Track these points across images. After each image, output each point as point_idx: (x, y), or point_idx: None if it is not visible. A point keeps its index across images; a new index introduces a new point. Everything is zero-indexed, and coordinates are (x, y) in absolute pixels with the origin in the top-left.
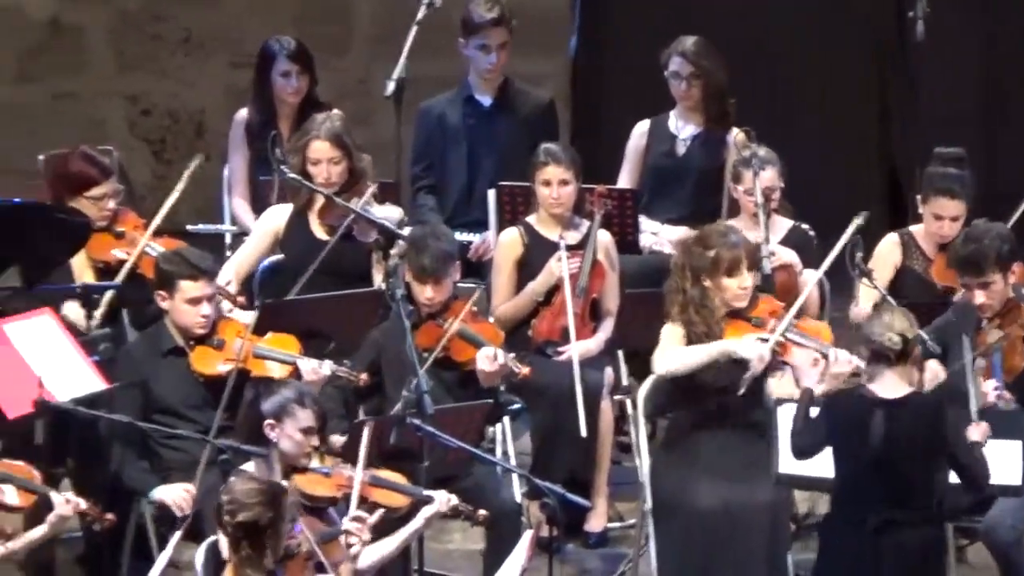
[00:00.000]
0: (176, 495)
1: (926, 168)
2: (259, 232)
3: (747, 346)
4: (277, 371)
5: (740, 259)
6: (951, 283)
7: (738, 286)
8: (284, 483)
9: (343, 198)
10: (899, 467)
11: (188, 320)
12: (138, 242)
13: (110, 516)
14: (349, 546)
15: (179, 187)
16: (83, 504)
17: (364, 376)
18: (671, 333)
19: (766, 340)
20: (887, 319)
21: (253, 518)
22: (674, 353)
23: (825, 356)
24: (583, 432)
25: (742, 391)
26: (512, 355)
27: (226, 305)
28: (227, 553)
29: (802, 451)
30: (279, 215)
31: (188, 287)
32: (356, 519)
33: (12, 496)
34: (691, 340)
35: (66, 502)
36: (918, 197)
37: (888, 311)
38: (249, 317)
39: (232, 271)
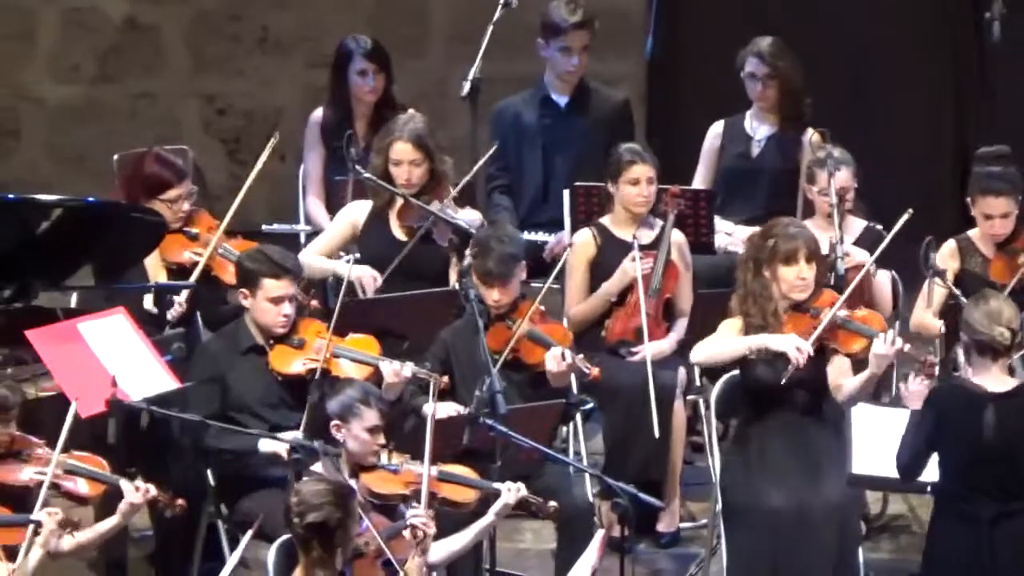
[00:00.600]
0: (285, 446)
1: (972, 169)
2: (339, 223)
3: (782, 340)
4: (356, 372)
5: (798, 248)
6: (1007, 280)
7: (796, 276)
8: (352, 483)
9: (423, 200)
10: (1012, 459)
11: (269, 319)
12: (211, 243)
13: (181, 502)
14: (417, 541)
15: (254, 172)
16: (153, 491)
17: (445, 379)
18: (726, 326)
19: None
20: (993, 307)
21: (322, 519)
22: (709, 344)
23: (871, 340)
24: (656, 433)
25: (783, 381)
26: (581, 356)
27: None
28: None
29: (910, 466)
30: (360, 210)
31: (271, 286)
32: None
33: (83, 486)
34: (747, 332)
35: (136, 489)
36: (967, 200)
37: (993, 298)
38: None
39: (311, 259)
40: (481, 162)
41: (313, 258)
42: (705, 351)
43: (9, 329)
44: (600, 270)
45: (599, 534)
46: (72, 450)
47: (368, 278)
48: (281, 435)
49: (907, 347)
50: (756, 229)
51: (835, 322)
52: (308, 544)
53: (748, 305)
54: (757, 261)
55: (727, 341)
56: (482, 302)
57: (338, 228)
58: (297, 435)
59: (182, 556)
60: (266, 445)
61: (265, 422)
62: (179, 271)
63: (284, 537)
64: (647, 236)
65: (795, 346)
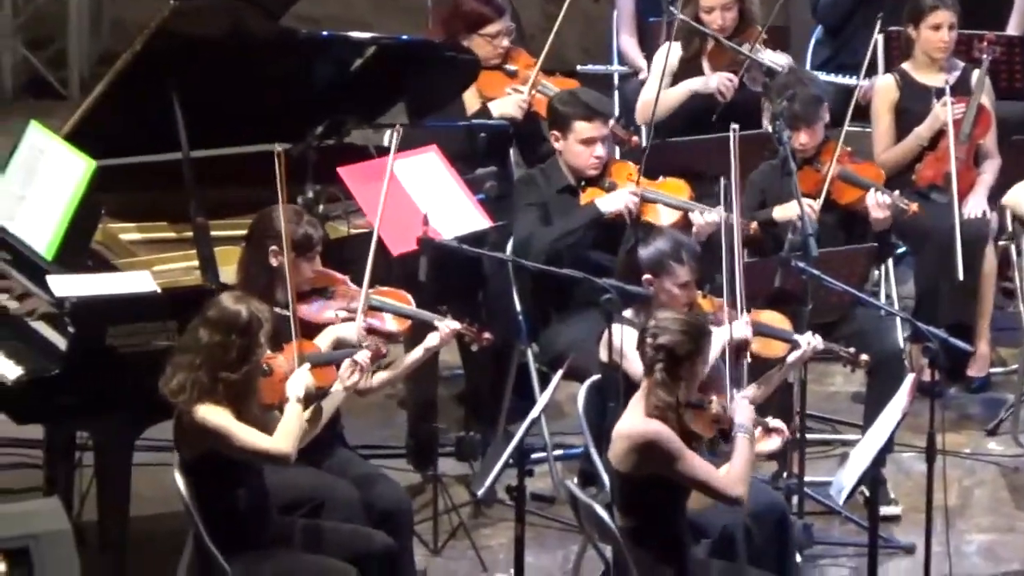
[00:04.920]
0: (624, 199)
1: None
2: (657, 67)
3: None
4: (668, 216)
5: None
6: None
7: None
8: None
9: (734, 42)
10: None
11: (581, 161)
12: (529, 80)
13: (487, 335)
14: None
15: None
16: (458, 325)
17: (755, 225)
18: None
19: None
20: None
21: (672, 344)
22: None
23: None
24: (960, 276)
25: None
26: (897, 192)
27: None
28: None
29: None
30: (671, 53)
31: (582, 128)
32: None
33: (389, 323)
34: None
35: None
36: None
37: None
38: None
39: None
40: (758, 38)
41: (660, 93)
42: None
43: (322, 166)
44: (904, 115)
45: (909, 378)
46: (378, 286)
47: (725, 81)
48: (616, 193)
49: None
50: None
51: None
52: (653, 366)
53: None
54: None
55: None
56: None
57: (658, 71)
58: (631, 192)
59: (492, 395)
60: (605, 204)
61: (581, 262)
62: None
63: (595, 376)
64: (950, 81)
65: None
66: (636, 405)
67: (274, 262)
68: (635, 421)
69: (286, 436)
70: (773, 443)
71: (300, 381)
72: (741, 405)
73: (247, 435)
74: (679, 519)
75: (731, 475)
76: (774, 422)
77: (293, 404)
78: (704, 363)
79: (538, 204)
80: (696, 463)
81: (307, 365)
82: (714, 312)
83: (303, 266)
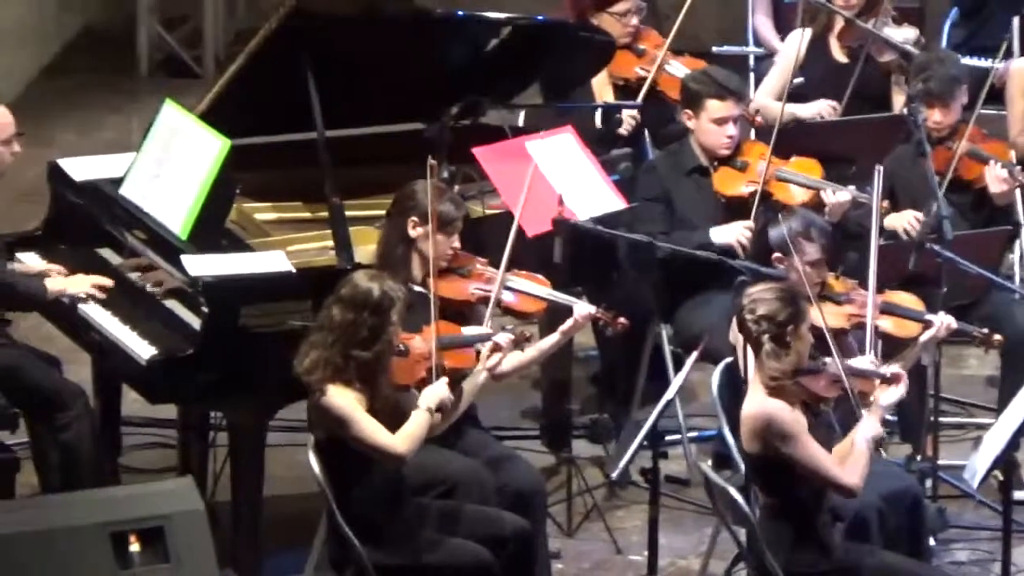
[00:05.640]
0: (736, 232)
1: None
2: (784, 59)
3: None
4: (799, 195)
5: None
6: None
7: None
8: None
9: (862, 19)
10: None
11: (713, 140)
12: (656, 60)
13: (622, 320)
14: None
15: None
16: (593, 310)
17: (886, 203)
18: None
19: None
20: None
21: (771, 312)
22: None
23: None
24: None
25: None
26: (1019, 167)
27: None
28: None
29: None
30: (800, 39)
31: (714, 107)
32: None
33: (524, 303)
34: None
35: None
36: None
37: None
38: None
39: (769, 102)
40: (886, 14)
41: (771, 102)
42: None
43: (457, 146)
44: None
45: None
46: (515, 268)
47: (828, 109)
48: (729, 226)
49: None
50: None
51: None
52: (759, 340)
53: None
54: None
55: None
56: None
57: (785, 64)
58: (745, 227)
59: (627, 376)
60: (719, 235)
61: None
62: (626, 87)
63: (729, 359)
64: None
65: None
66: (755, 385)
67: (412, 233)
68: (755, 401)
69: (406, 439)
70: (897, 392)
71: (436, 393)
72: (867, 421)
73: (368, 427)
74: (820, 499)
75: (847, 466)
76: (889, 369)
77: (423, 412)
78: (807, 326)
79: (658, 196)
80: (812, 447)
81: (444, 380)
82: (845, 293)
83: (442, 242)
